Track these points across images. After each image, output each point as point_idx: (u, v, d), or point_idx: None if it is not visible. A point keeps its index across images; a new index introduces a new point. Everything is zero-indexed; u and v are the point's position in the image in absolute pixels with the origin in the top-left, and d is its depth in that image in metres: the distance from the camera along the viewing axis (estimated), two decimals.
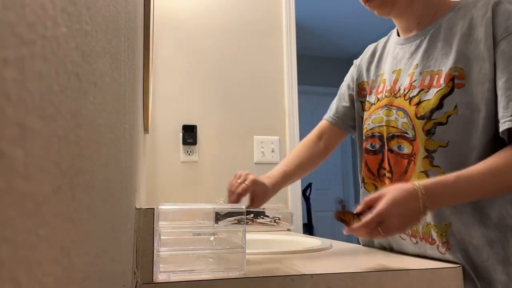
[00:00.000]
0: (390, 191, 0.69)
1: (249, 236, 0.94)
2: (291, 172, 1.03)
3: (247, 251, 0.63)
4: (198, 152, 1.75)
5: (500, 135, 0.71)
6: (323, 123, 1.11)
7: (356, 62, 1.07)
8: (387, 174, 0.86)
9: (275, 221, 0.63)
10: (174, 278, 0.58)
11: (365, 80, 1.01)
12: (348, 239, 1.34)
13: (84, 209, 0.21)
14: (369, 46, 1.05)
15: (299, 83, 1.94)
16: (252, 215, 0.62)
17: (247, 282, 0.58)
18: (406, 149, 0.81)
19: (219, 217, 0.60)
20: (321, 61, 4.37)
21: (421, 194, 0.67)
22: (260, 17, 1.92)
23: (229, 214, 0.62)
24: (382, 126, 0.87)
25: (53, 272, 0.16)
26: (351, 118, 1.05)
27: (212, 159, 1.76)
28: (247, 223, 0.61)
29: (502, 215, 0.73)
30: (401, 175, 0.82)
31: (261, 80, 1.88)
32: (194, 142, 1.74)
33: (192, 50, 1.81)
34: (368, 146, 0.92)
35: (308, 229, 3.72)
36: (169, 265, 0.59)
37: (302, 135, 1.92)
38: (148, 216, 0.58)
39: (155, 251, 0.58)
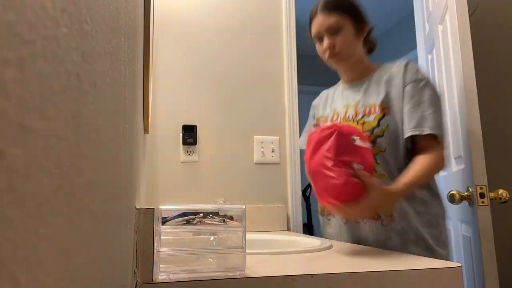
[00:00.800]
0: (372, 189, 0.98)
1: (249, 236, 0.94)
2: None
3: (247, 251, 0.63)
4: (198, 152, 1.75)
5: (404, 143, 1.15)
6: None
7: (313, 104, 1.52)
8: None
9: (223, 221, 0.63)
10: (174, 278, 0.58)
11: (321, 115, 1.42)
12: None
13: (84, 209, 0.21)
14: (323, 92, 1.53)
15: (299, 83, 1.94)
16: (201, 215, 0.62)
17: (247, 282, 0.58)
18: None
19: (168, 218, 0.60)
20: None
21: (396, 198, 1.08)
22: (260, 17, 1.92)
23: (183, 214, 0.62)
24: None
25: (53, 272, 0.16)
26: None
27: (212, 159, 1.76)
28: (195, 223, 0.62)
29: (422, 195, 1.15)
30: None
31: (261, 80, 1.88)
32: (194, 142, 1.74)
33: (192, 50, 1.81)
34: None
35: (308, 229, 3.72)
36: (169, 265, 0.59)
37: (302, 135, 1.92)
38: (148, 216, 0.58)
39: (155, 251, 0.58)
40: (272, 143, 1.84)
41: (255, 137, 1.82)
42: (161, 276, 0.58)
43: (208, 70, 1.82)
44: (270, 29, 1.93)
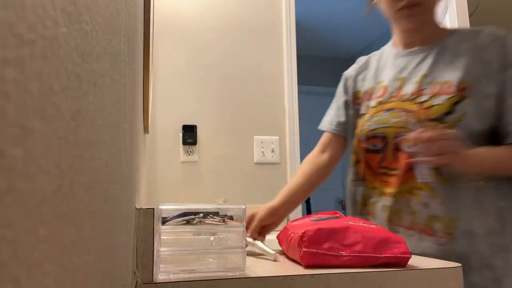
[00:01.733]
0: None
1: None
2: (296, 188, 1.05)
3: (247, 250, 0.63)
4: (198, 152, 1.75)
5: (487, 142, 0.84)
6: (324, 137, 1.14)
7: (346, 74, 1.14)
8: (390, 172, 0.93)
9: (223, 221, 0.63)
10: (174, 278, 0.58)
11: (361, 89, 1.07)
12: None
13: (84, 209, 0.21)
14: (360, 59, 1.14)
15: (299, 83, 1.94)
16: (201, 215, 0.62)
17: (247, 282, 0.58)
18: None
19: (168, 218, 0.61)
20: (321, 61, 4.37)
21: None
22: (260, 17, 1.92)
23: (182, 214, 0.62)
24: (387, 127, 0.93)
25: (53, 272, 0.16)
26: (351, 124, 1.09)
27: (212, 159, 1.76)
28: (195, 223, 0.62)
29: (498, 208, 0.85)
30: (407, 172, 0.89)
31: (261, 80, 1.88)
32: (194, 142, 1.74)
33: (192, 50, 1.81)
34: (370, 146, 0.97)
35: None
36: (169, 265, 0.59)
37: (302, 135, 1.92)
38: (148, 216, 0.58)
39: (155, 251, 0.58)
40: (272, 143, 1.84)
41: (255, 137, 1.82)
42: (161, 276, 0.58)
43: (208, 70, 1.82)
44: (270, 29, 1.93)
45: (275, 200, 1.01)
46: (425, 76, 0.92)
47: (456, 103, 0.85)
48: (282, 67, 1.92)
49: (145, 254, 0.57)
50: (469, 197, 0.84)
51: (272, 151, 1.83)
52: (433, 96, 0.88)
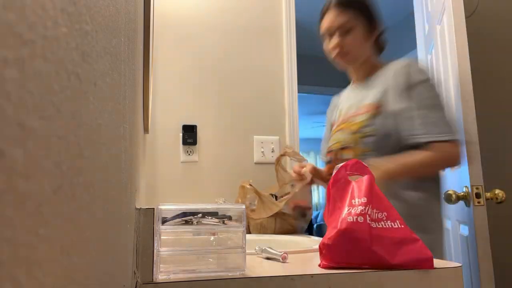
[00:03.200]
0: None
1: (249, 236, 0.94)
2: None
3: (247, 251, 0.63)
4: (198, 152, 1.75)
5: (397, 144, 1.12)
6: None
7: (327, 112, 1.51)
8: None
9: (223, 222, 0.63)
10: (174, 278, 0.58)
11: (334, 120, 1.41)
12: None
13: (84, 209, 0.21)
14: (335, 97, 1.50)
15: (299, 83, 1.94)
16: (201, 215, 0.62)
17: (247, 282, 0.58)
18: (351, 155, 1.17)
19: (168, 218, 0.61)
20: (321, 61, 4.36)
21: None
22: (260, 17, 1.92)
23: (181, 215, 0.62)
24: (335, 143, 1.25)
25: (53, 272, 0.16)
26: None
27: (212, 159, 1.76)
28: (195, 223, 0.62)
29: (410, 197, 1.12)
30: None
31: (261, 80, 1.88)
32: (194, 142, 1.74)
33: (192, 50, 1.81)
34: (327, 159, 1.31)
35: (308, 229, 3.72)
36: (169, 265, 0.59)
37: (302, 135, 1.92)
38: (148, 216, 0.58)
39: (155, 251, 0.58)
40: (272, 143, 1.84)
41: (255, 137, 1.82)
42: (161, 276, 0.58)
43: (208, 70, 1.82)
44: (270, 29, 1.93)
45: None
46: (360, 101, 1.23)
47: (372, 117, 1.15)
48: (282, 67, 1.92)
49: (145, 254, 0.57)
50: (383, 188, 1.04)
51: (272, 151, 1.83)
52: (360, 114, 1.19)
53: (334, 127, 1.34)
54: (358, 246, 0.65)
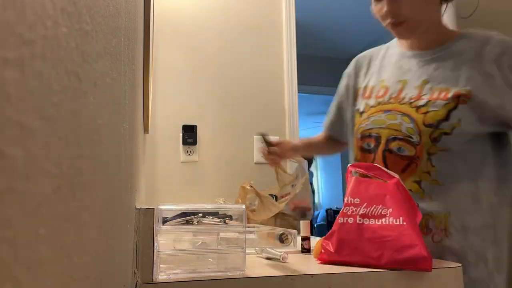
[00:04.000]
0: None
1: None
2: (316, 143, 1.28)
3: (247, 251, 0.63)
4: (198, 152, 1.75)
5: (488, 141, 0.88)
6: (324, 131, 1.28)
7: (348, 72, 1.14)
8: None
9: (224, 222, 0.63)
10: (174, 278, 0.58)
11: (361, 86, 1.06)
12: None
13: (84, 209, 0.21)
14: (360, 56, 1.13)
15: (299, 83, 1.94)
16: (201, 215, 0.62)
17: (247, 282, 0.58)
18: (407, 151, 0.89)
19: (168, 218, 0.61)
20: (321, 61, 4.37)
21: None
22: (260, 17, 1.92)
23: (182, 215, 0.62)
24: (382, 128, 0.93)
25: (53, 272, 0.16)
26: (346, 125, 1.14)
27: (212, 159, 1.76)
28: (195, 223, 0.62)
29: (491, 202, 0.87)
30: (397, 174, 0.89)
31: (261, 80, 1.88)
32: (194, 142, 1.74)
33: (192, 50, 1.81)
34: (364, 145, 0.98)
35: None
36: (169, 265, 0.59)
37: (302, 135, 1.92)
38: (148, 216, 0.58)
39: (155, 251, 0.58)
40: None
41: (255, 137, 1.82)
42: (161, 276, 0.58)
43: (208, 70, 1.82)
44: (270, 29, 1.93)
45: (298, 142, 1.34)
46: (427, 82, 0.91)
47: (452, 109, 0.85)
48: (282, 67, 1.92)
49: (145, 254, 0.57)
50: (461, 192, 0.86)
51: None
52: (430, 101, 0.87)
53: (370, 101, 1.01)
54: (348, 246, 0.70)
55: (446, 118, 0.85)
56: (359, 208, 0.73)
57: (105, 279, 0.29)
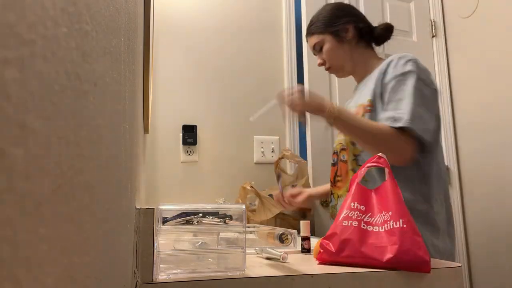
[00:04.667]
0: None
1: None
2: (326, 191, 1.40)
3: (247, 250, 0.63)
4: (198, 152, 1.75)
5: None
6: None
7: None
8: (338, 178, 1.22)
9: (224, 222, 0.63)
10: (174, 278, 0.58)
11: None
12: None
13: (84, 209, 0.21)
14: (346, 102, 1.44)
15: (299, 83, 1.94)
16: (201, 215, 0.62)
17: (247, 282, 0.58)
18: (346, 156, 1.18)
19: (168, 218, 0.61)
20: None
21: (335, 106, 1.04)
22: (260, 17, 1.92)
23: (182, 215, 0.62)
24: (337, 144, 1.25)
25: (53, 272, 0.16)
26: None
27: (212, 159, 1.76)
28: (195, 223, 0.62)
29: (413, 201, 1.04)
30: (344, 177, 1.18)
31: (261, 80, 1.88)
32: (194, 142, 1.74)
33: (192, 50, 1.81)
34: (331, 161, 1.28)
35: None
36: (169, 265, 0.59)
37: (302, 135, 1.92)
38: (148, 216, 0.58)
39: (155, 251, 0.58)
40: (272, 143, 1.84)
41: (255, 137, 1.82)
42: (161, 276, 0.58)
43: (208, 70, 1.82)
44: (270, 29, 1.93)
45: (314, 191, 1.43)
46: (357, 101, 1.21)
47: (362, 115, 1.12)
48: (282, 67, 1.92)
49: (145, 254, 0.57)
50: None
51: (272, 151, 1.83)
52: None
53: None
54: (350, 248, 0.70)
55: None
56: (364, 215, 0.73)
57: (105, 279, 0.29)
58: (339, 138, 1.24)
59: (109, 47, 0.29)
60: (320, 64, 1.28)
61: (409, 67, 1.07)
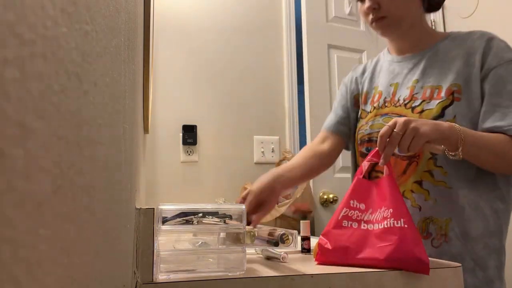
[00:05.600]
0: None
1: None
2: (293, 167, 1.03)
3: (247, 250, 0.63)
4: (198, 152, 1.75)
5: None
6: (322, 132, 1.14)
7: (345, 80, 1.16)
8: (380, 175, 0.89)
9: (224, 222, 0.63)
10: (174, 278, 0.58)
11: (359, 92, 1.10)
12: None
13: (84, 209, 0.21)
14: (356, 65, 1.17)
15: (299, 83, 1.94)
16: (201, 215, 0.62)
17: (247, 282, 0.58)
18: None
19: (168, 218, 0.61)
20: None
21: (457, 127, 0.77)
22: (260, 17, 1.92)
23: (182, 214, 0.62)
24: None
25: (53, 272, 0.16)
26: (349, 127, 1.11)
27: (212, 159, 1.76)
28: (195, 223, 0.62)
29: (494, 209, 0.86)
30: (399, 175, 0.90)
31: (261, 80, 1.88)
32: (194, 142, 1.74)
33: (192, 50, 1.81)
34: (364, 150, 1.00)
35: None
36: (169, 265, 0.59)
37: (302, 135, 1.92)
38: (148, 216, 0.58)
39: (155, 251, 0.58)
40: (272, 143, 1.84)
41: (255, 137, 1.82)
42: (161, 276, 0.58)
43: (208, 70, 1.82)
44: (270, 29, 1.93)
45: (269, 178, 0.99)
46: (417, 81, 0.94)
47: (446, 107, 0.86)
48: (282, 67, 1.92)
49: (145, 254, 0.57)
50: (464, 197, 0.85)
51: (272, 151, 1.83)
52: (424, 101, 0.90)
53: (366, 107, 1.05)
54: (350, 251, 0.69)
55: (441, 115, 0.86)
56: (364, 214, 0.73)
57: (105, 279, 0.29)
58: (378, 123, 0.96)
59: (109, 47, 0.29)
60: (370, 9, 0.92)
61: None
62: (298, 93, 1.93)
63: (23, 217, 0.13)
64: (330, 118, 1.14)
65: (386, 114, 0.96)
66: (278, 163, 1.61)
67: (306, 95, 1.84)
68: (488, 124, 0.84)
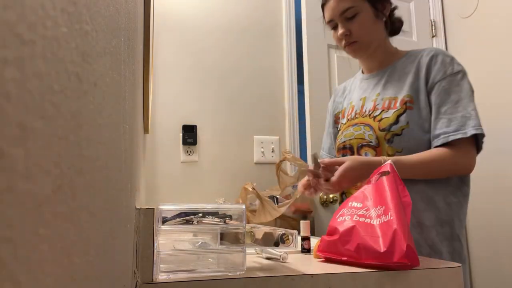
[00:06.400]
0: (349, 159, 0.96)
1: None
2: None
3: (247, 250, 0.63)
4: (198, 152, 1.75)
5: (430, 144, 1.01)
6: (324, 154, 1.36)
7: (328, 107, 1.38)
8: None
9: (224, 222, 0.63)
10: (174, 278, 0.58)
11: (339, 111, 1.30)
12: None
13: (84, 209, 0.21)
14: (338, 86, 1.37)
15: (299, 83, 1.94)
16: (201, 215, 0.62)
17: (247, 282, 0.58)
18: (370, 155, 1.06)
19: (168, 218, 0.61)
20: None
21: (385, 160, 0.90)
22: (260, 17, 1.92)
23: (182, 214, 0.62)
24: (352, 139, 1.13)
25: (53, 272, 0.16)
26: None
27: (212, 159, 1.76)
28: (195, 223, 0.62)
29: (447, 202, 1.01)
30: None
31: (261, 80, 1.88)
32: (194, 142, 1.74)
33: (192, 50, 1.81)
34: (341, 156, 1.16)
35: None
36: (169, 265, 0.59)
37: (302, 135, 1.92)
38: (148, 216, 0.58)
39: (155, 251, 0.58)
40: (272, 143, 1.84)
41: (255, 137, 1.82)
42: (161, 276, 0.58)
43: (208, 70, 1.82)
44: (270, 29, 1.93)
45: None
46: (379, 94, 1.11)
47: (400, 114, 1.03)
48: (282, 67, 1.92)
49: (145, 254, 0.57)
50: (417, 192, 0.99)
51: (272, 151, 1.83)
52: (383, 110, 1.06)
53: (343, 120, 1.22)
54: (344, 248, 0.70)
55: (396, 122, 1.02)
56: (359, 211, 0.74)
57: (105, 279, 0.29)
58: (351, 132, 1.12)
59: (109, 47, 0.29)
60: (342, 36, 1.09)
61: (457, 66, 1.02)
62: (298, 93, 1.93)
63: (23, 217, 0.13)
64: (325, 141, 1.36)
65: (355, 124, 1.13)
66: (278, 164, 1.61)
67: (306, 95, 1.84)
68: (437, 131, 0.99)
